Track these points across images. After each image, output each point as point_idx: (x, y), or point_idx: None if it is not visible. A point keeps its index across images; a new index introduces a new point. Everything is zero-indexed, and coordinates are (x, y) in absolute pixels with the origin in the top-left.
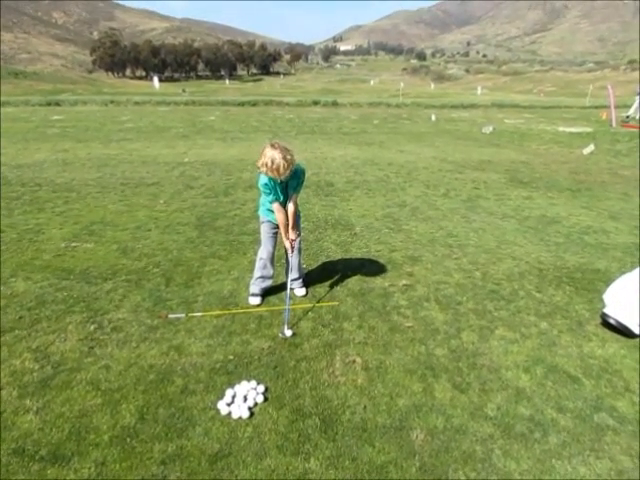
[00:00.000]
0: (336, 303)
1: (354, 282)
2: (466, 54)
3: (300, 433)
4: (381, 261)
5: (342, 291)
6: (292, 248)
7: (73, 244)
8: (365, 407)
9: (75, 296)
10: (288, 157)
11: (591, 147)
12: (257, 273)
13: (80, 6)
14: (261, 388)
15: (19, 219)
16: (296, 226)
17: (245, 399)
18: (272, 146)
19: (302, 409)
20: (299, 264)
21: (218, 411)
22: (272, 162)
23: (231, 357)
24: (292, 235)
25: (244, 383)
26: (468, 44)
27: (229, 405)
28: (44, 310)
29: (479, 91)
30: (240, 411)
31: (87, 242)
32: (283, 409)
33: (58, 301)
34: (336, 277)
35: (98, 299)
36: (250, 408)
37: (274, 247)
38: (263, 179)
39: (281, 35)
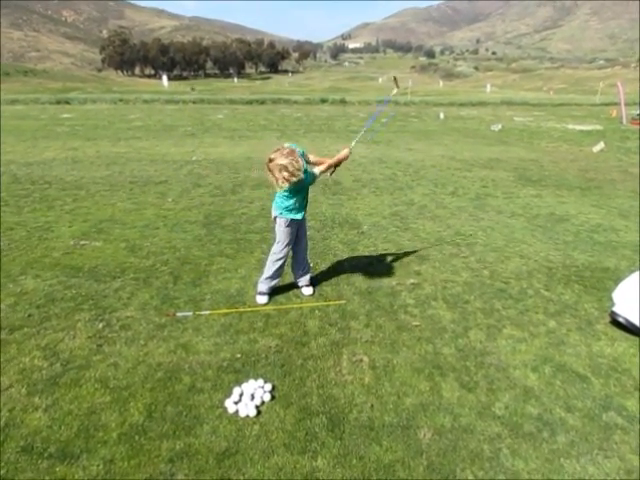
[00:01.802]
0: (343, 302)
1: (361, 281)
2: (475, 51)
3: (307, 432)
4: (388, 260)
5: (349, 290)
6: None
7: (82, 242)
8: (372, 406)
9: (84, 294)
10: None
11: (601, 145)
12: (268, 272)
13: (90, 4)
14: (268, 386)
15: (28, 217)
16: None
17: (252, 397)
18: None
19: (309, 408)
20: (305, 259)
21: (225, 409)
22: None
23: (238, 355)
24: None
25: (251, 381)
26: (477, 41)
27: (236, 403)
28: (53, 308)
29: (488, 89)
30: (247, 409)
31: (96, 240)
32: (290, 408)
33: (67, 299)
34: (343, 276)
35: (106, 297)
36: (257, 406)
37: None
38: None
39: (289, 33)
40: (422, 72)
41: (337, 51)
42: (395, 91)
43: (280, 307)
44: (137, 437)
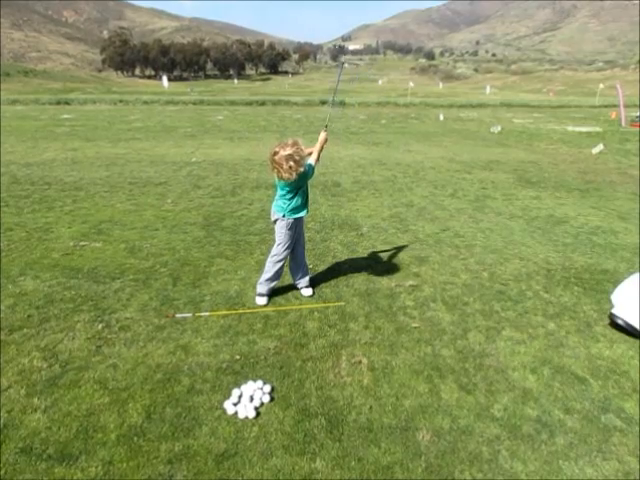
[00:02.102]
0: (342, 303)
1: (360, 282)
2: (475, 53)
3: (306, 433)
4: (387, 261)
5: (348, 291)
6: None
7: (81, 243)
8: (371, 407)
9: (83, 295)
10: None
11: (600, 147)
12: (267, 274)
13: (90, 5)
14: (267, 388)
15: (28, 218)
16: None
17: (251, 399)
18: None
19: (308, 409)
20: (304, 261)
21: (224, 411)
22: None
23: (237, 357)
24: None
25: (250, 383)
26: (477, 43)
27: (235, 405)
28: (52, 309)
29: (488, 90)
30: (246, 411)
31: (95, 241)
32: (289, 409)
33: (66, 300)
34: (342, 277)
35: (106, 298)
36: (256, 408)
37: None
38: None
39: (289, 34)
40: (422, 74)
41: (337, 52)
42: (343, 58)
43: (279, 308)
44: (136, 438)
